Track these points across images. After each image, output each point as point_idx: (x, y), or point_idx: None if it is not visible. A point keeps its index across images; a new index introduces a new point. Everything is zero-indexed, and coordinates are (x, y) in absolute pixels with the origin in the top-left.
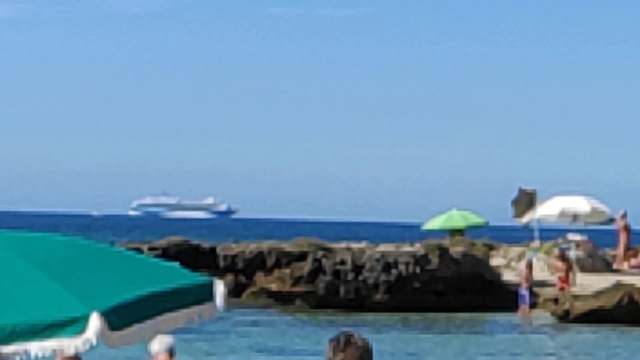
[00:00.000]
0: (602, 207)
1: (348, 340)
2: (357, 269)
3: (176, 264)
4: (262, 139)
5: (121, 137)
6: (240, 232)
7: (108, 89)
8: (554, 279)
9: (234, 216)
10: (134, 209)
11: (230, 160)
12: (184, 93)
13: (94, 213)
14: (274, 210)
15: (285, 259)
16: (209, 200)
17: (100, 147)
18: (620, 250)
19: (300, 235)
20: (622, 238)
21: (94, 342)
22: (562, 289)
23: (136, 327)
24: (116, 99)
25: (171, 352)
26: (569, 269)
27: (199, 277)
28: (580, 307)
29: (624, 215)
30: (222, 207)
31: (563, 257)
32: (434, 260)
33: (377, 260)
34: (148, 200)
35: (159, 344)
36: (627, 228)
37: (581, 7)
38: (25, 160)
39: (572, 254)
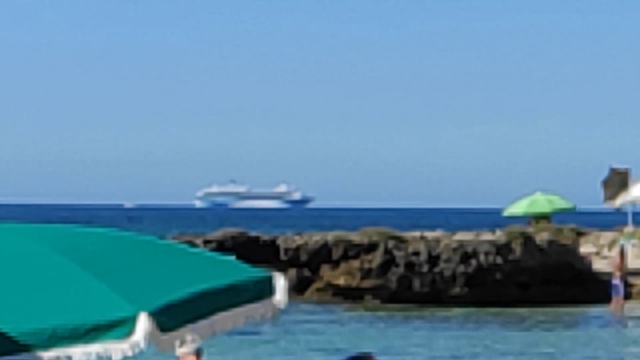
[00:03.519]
0: None
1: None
2: (433, 260)
3: (232, 258)
4: (337, 123)
5: (186, 123)
6: (317, 222)
7: (167, 71)
8: None
9: (310, 205)
10: (200, 199)
11: (304, 145)
12: (254, 75)
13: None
14: (353, 198)
15: (353, 250)
16: (282, 188)
17: (162, 134)
18: None
19: (377, 224)
20: None
21: (143, 345)
22: None
23: (189, 328)
24: (178, 83)
25: (198, 353)
26: None
27: (257, 272)
28: None
29: None
30: (296, 196)
31: None
32: (517, 249)
33: (455, 250)
34: (215, 189)
35: (186, 345)
36: None
37: None
38: (68, 150)
39: None
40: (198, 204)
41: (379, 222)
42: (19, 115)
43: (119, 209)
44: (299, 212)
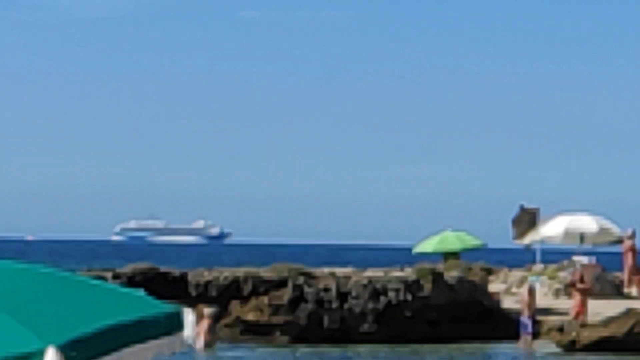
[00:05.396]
0: (610, 226)
1: None
2: (342, 296)
3: (142, 292)
4: (256, 160)
5: (103, 157)
6: (233, 257)
7: (84, 102)
8: (558, 305)
9: (227, 241)
10: (117, 234)
11: (222, 181)
12: (174, 110)
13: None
14: (271, 234)
15: (263, 286)
16: (200, 224)
17: (80, 168)
18: (626, 273)
19: (293, 260)
20: (630, 260)
21: None
22: (577, 316)
23: None
24: (95, 114)
25: None
26: (585, 293)
27: (166, 306)
28: (587, 336)
29: (632, 235)
30: (214, 231)
31: (581, 280)
32: (427, 286)
33: (364, 286)
34: (132, 223)
35: None
36: (634, 249)
37: (581, 26)
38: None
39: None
40: (115, 238)
41: (295, 258)
42: None
43: (21, 241)
44: (216, 247)
